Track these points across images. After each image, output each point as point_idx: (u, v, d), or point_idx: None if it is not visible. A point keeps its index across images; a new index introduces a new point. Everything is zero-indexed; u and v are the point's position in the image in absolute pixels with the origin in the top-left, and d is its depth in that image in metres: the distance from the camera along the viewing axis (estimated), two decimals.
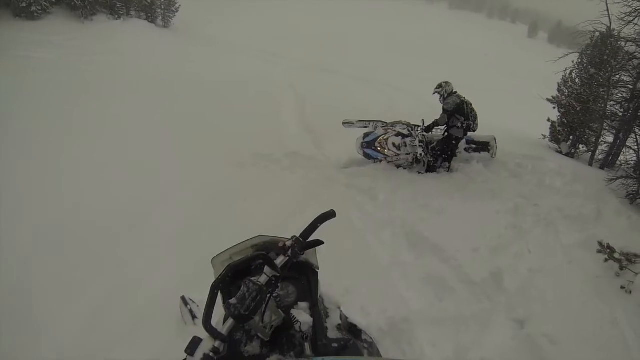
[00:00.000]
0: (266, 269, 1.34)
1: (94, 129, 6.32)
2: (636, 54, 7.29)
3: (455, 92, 5.91)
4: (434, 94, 6.06)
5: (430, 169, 6.05)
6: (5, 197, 4.26)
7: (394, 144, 5.90)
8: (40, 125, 6.14)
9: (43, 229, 3.91)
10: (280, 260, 1.41)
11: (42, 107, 6.88)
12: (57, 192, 4.57)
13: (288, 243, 1.45)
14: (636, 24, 6.96)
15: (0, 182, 4.49)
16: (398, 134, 5.93)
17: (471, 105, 5.96)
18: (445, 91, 5.89)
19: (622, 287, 3.70)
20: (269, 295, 1.32)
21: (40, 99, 7.26)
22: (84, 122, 6.54)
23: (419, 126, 6.08)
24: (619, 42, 8.09)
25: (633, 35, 7.14)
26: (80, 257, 3.59)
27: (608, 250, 3.98)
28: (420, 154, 5.89)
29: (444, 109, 5.82)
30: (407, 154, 5.96)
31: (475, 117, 5.97)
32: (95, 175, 5.01)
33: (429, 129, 6.04)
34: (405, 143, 5.89)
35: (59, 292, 3.21)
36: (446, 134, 6.02)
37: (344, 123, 6.29)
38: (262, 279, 1.31)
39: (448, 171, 6.02)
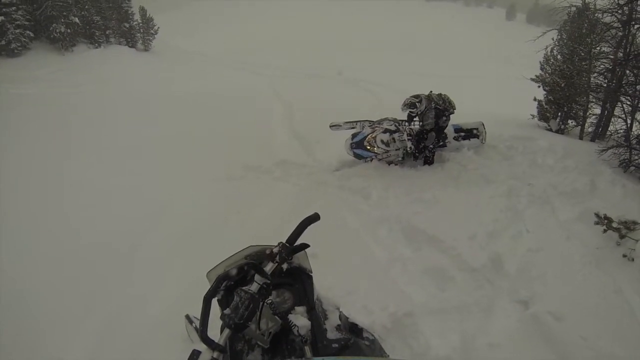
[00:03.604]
0: (256, 276, 1.36)
1: (90, 153, 6.50)
2: (612, 23, 7.32)
3: (426, 106, 5.74)
4: (409, 117, 5.98)
5: (427, 161, 6.02)
6: (5, 217, 4.39)
7: (382, 141, 5.90)
8: (38, 153, 6.36)
9: (43, 249, 3.97)
10: (269, 267, 1.43)
11: (37, 137, 7.07)
12: (57, 212, 4.73)
13: (275, 250, 1.47)
14: None
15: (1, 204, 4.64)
16: (385, 131, 5.92)
17: (439, 96, 5.86)
18: (419, 110, 5.76)
19: (624, 256, 3.69)
20: (261, 303, 1.33)
21: (35, 130, 7.45)
22: (80, 148, 6.75)
23: (405, 121, 6.09)
24: (595, 15, 8.14)
25: (608, 6, 7.17)
26: (82, 277, 3.63)
27: (606, 221, 3.97)
28: (410, 148, 5.88)
29: (426, 129, 5.76)
30: (396, 150, 5.96)
31: (450, 101, 5.89)
32: (93, 196, 5.13)
33: (411, 118, 6.08)
34: (393, 139, 5.89)
35: (65, 314, 3.23)
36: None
37: (330, 126, 6.29)
38: (254, 287, 1.33)
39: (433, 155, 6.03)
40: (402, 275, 3.62)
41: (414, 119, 6.06)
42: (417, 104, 5.75)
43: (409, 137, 5.90)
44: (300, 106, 10.23)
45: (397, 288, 3.43)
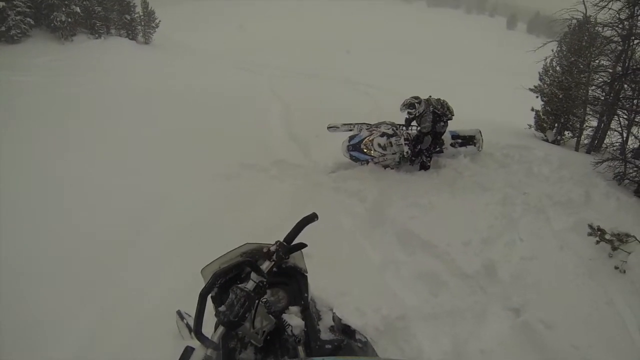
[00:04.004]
0: (253, 274, 1.35)
1: (89, 146, 6.43)
2: (613, 37, 7.38)
3: (425, 109, 5.78)
4: (407, 120, 5.99)
5: (423, 166, 6.04)
6: (5, 210, 4.33)
7: (379, 145, 5.89)
8: (37, 144, 6.25)
9: (42, 244, 3.93)
10: (266, 266, 1.42)
11: (36, 127, 6.96)
12: (56, 206, 4.67)
13: (272, 248, 1.46)
14: (610, 9, 7.05)
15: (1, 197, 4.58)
16: (383, 134, 5.91)
17: (438, 101, 5.89)
18: (418, 112, 5.79)
19: (616, 268, 3.74)
20: (257, 301, 1.33)
21: (33, 120, 7.37)
22: (79, 140, 6.67)
23: (403, 125, 6.09)
24: (596, 28, 8.20)
25: (609, 20, 7.23)
26: (80, 271, 3.61)
27: (599, 233, 4.02)
28: (407, 152, 5.88)
29: (422, 132, 5.80)
30: (393, 154, 5.95)
31: (448, 106, 5.91)
32: (93, 190, 5.08)
33: (409, 122, 6.08)
34: (390, 143, 5.88)
35: (62, 308, 3.22)
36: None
37: (328, 127, 6.29)
38: (249, 285, 1.32)
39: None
40: (395, 279, 3.63)
41: (412, 124, 6.07)
42: (416, 104, 5.76)
43: (406, 142, 5.89)
44: (299, 106, 10.19)
45: (390, 291, 3.44)
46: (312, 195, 5.28)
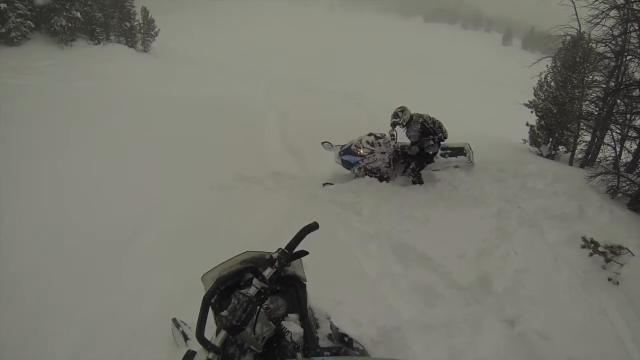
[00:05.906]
0: (255, 280, 1.37)
1: (88, 150, 6.45)
2: (606, 53, 7.49)
3: (412, 117, 5.93)
4: (392, 124, 6.09)
5: (415, 181, 6.11)
6: (5, 211, 4.37)
7: (367, 142, 6.05)
8: (37, 146, 6.26)
9: (44, 244, 3.97)
10: (267, 272, 1.44)
11: (34, 129, 6.98)
12: (57, 207, 4.72)
13: (274, 255, 1.49)
14: (604, 25, 7.16)
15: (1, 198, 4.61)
16: (370, 134, 6.15)
17: (431, 118, 6.01)
18: (403, 120, 5.91)
19: (610, 279, 3.76)
20: (258, 307, 1.34)
21: (32, 122, 7.37)
22: (77, 143, 6.68)
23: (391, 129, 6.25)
24: (589, 44, 8.31)
25: (602, 36, 7.34)
26: (80, 273, 3.65)
27: (592, 245, 4.04)
28: (394, 145, 6.12)
29: (410, 141, 5.93)
30: (382, 153, 6.08)
31: (440, 125, 6.03)
32: (91, 194, 5.11)
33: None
34: (379, 143, 6.07)
35: (61, 308, 3.25)
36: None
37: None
38: (252, 290, 1.34)
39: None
40: (391, 291, 3.64)
41: (397, 128, 6.20)
42: (399, 113, 5.94)
43: (392, 136, 6.14)
44: (295, 117, 10.23)
45: (386, 303, 3.45)
46: (308, 208, 5.29)
